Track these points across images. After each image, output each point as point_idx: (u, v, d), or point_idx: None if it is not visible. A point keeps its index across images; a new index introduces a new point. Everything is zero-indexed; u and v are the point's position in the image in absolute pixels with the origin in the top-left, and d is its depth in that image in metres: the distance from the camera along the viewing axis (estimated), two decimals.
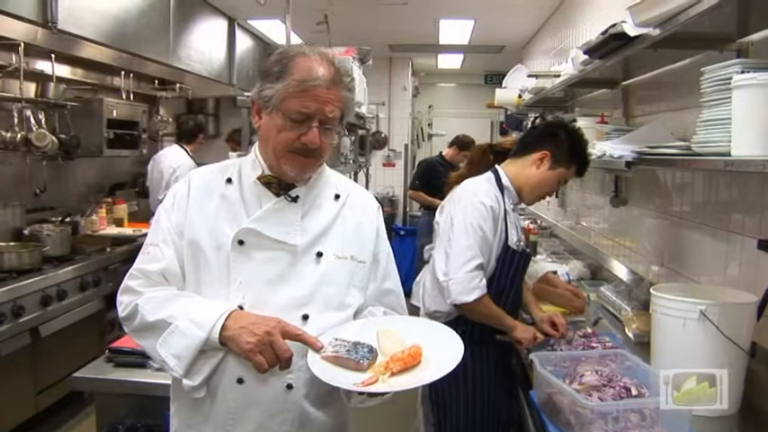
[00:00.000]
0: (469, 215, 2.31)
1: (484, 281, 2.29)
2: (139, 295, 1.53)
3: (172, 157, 5.70)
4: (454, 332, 1.52)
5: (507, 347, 2.48)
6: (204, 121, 7.12)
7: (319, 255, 1.56)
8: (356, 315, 1.62)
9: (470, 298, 2.25)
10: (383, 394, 1.40)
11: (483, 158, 3.07)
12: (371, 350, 1.45)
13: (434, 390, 2.45)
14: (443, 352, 1.43)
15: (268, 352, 1.39)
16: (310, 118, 1.48)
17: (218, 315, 1.42)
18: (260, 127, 1.56)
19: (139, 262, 1.58)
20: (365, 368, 1.41)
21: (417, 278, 2.58)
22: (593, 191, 4.25)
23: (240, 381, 1.49)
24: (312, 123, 1.48)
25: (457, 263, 2.27)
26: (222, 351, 1.47)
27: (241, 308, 1.49)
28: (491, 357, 2.44)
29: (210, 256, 1.53)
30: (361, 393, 1.41)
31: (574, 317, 2.80)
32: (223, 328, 1.42)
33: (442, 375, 1.37)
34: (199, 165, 5.78)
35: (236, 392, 1.50)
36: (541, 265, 3.44)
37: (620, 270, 3.45)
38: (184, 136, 5.91)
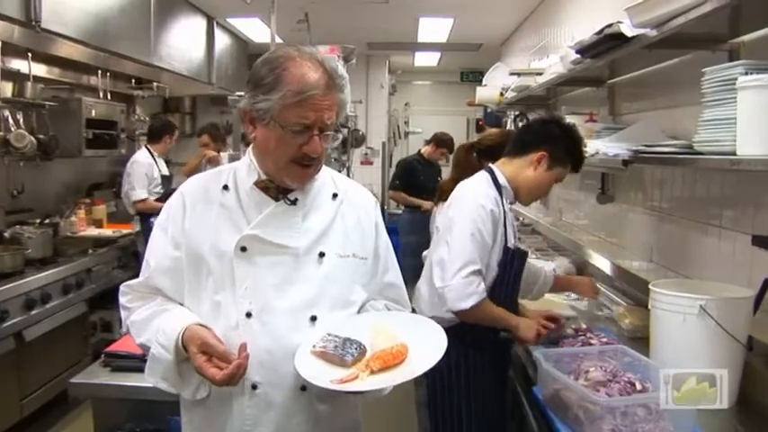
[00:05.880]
0: (469, 219, 2.25)
1: (482, 286, 2.22)
2: (129, 311, 1.61)
3: (134, 156, 5.52)
4: (442, 330, 1.50)
5: (505, 349, 2.46)
6: (182, 121, 7.05)
7: (321, 255, 1.56)
8: (360, 311, 1.63)
9: (467, 304, 2.19)
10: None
11: (467, 159, 3.08)
12: (360, 347, 1.45)
13: (432, 395, 2.40)
14: (427, 351, 1.43)
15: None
16: (310, 128, 1.46)
17: (176, 335, 1.45)
18: (255, 137, 1.54)
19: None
20: (350, 364, 1.41)
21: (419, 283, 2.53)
22: (575, 187, 4.26)
23: (254, 386, 1.49)
24: (312, 132, 1.46)
25: (453, 269, 2.21)
26: None
27: (249, 314, 1.49)
28: (489, 362, 2.40)
29: (213, 264, 1.53)
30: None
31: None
32: (184, 343, 1.44)
33: (416, 375, 1.38)
34: (167, 162, 5.76)
35: (250, 399, 1.50)
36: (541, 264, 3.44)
37: (607, 266, 3.48)
38: (150, 137, 5.67)
